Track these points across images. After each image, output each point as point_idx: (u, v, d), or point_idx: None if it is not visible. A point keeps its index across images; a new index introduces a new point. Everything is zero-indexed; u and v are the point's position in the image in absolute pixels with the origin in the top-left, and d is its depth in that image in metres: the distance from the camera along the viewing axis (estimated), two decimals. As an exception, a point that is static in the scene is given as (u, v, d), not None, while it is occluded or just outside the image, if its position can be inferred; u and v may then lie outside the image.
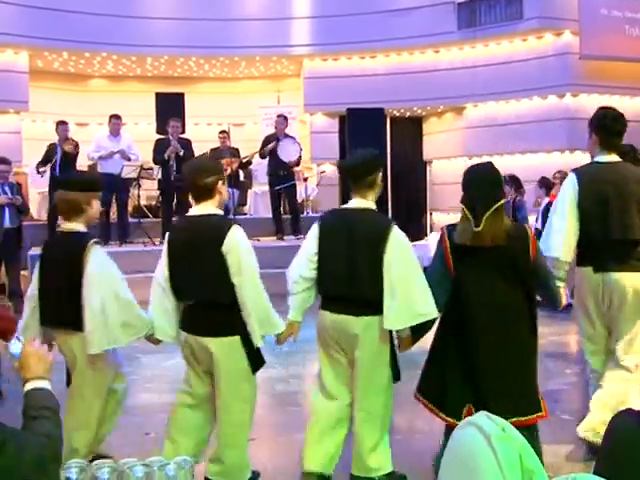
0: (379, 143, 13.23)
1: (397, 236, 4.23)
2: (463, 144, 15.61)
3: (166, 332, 4.34)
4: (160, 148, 12.29)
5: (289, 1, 15.49)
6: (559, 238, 4.83)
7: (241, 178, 14.49)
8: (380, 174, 4.42)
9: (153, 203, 14.27)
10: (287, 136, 12.95)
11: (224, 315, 4.17)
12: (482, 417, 1.64)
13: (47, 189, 12.34)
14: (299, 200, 13.87)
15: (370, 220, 4.33)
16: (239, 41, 14.93)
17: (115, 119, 12.68)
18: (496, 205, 4.14)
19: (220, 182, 4.29)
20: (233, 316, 4.15)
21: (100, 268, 4.27)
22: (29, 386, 2.39)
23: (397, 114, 16.43)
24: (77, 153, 12.16)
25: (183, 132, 12.96)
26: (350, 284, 4.25)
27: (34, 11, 13.75)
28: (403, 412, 4.98)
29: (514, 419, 3.99)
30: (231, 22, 14.87)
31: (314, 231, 4.42)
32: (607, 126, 4.87)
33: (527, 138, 14.31)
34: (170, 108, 13.43)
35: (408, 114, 16.70)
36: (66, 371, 4.47)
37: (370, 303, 4.22)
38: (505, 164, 14.67)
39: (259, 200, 14.89)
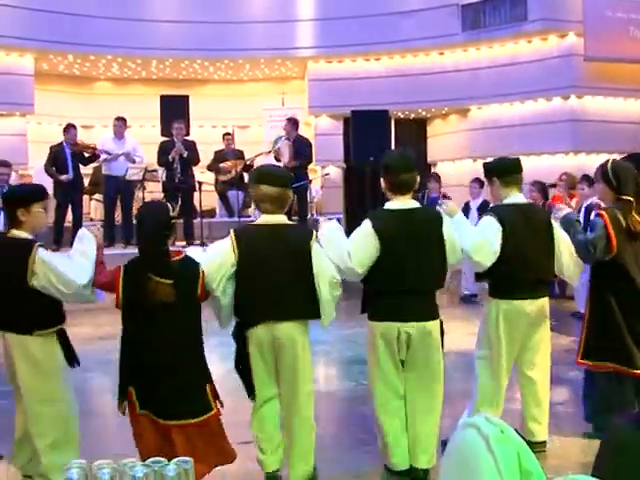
0: (383, 145, 13.24)
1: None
2: (467, 146, 15.61)
3: None
4: (165, 150, 12.33)
5: (293, 3, 15.50)
6: None
7: (245, 180, 14.49)
8: None
9: (158, 205, 14.28)
10: (297, 137, 12.95)
11: (433, 299, 4.59)
12: (481, 418, 1.64)
13: (52, 192, 12.34)
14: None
15: (537, 210, 5.30)
16: (243, 44, 14.95)
17: (118, 121, 12.71)
18: None
19: (418, 177, 4.63)
20: (435, 300, 4.60)
21: (323, 254, 4.46)
22: None
23: (401, 116, 16.44)
24: (98, 155, 12.20)
25: (188, 134, 13.00)
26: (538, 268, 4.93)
27: (39, 14, 13.79)
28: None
29: None
30: (235, 25, 14.89)
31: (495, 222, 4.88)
32: None
33: (531, 140, 14.29)
34: (175, 110, 13.46)
35: (412, 116, 16.71)
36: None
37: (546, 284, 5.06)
38: (509, 166, 14.67)
39: (264, 202, 14.86)
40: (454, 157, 16.07)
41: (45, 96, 15.11)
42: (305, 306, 4.36)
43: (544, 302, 4.96)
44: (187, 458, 2.15)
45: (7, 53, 14.14)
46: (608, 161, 5.21)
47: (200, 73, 16.58)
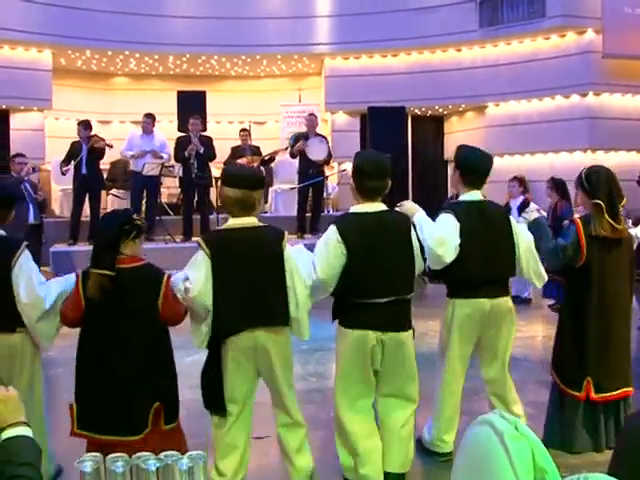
0: (400, 142, 13.24)
1: None
2: (484, 143, 15.50)
3: None
4: (181, 146, 12.34)
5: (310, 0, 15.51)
6: None
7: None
8: None
9: (174, 201, 14.34)
10: (316, 135, 12.97)
11: (406, 307, 4.44)
12: (495, 415, 1.64)
13: (71, 186, 12.36)
14: (319, 199, 13.89)
15: (495, 208, 5.06)
16: (261, 39, 14.97)
17: (147, 118, 12.76)
18: (622, 202, 4.91)
19: (390, 183, 4.55)
20: (409, 309, 4.47)
21: (296, 256, 4.40)
22: (6, 435, 2.01)
23: (418, 113, 16.40)
24: (104, 148, 12.24)
25: (204, 130, 13.01)
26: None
27: (57, 10, 13.86)
28: (420, 412, 4.96)
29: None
30: (253, 20, 14.91)
31: (452, 218, 4.76)
32: None
33: (549, 137, 14.23)
34: (192, 106, 13.49)
35: (429, 113, 16.67)
36: None
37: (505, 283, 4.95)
38: (527, 163, 14.62)
39: (279, 198, 14.91)
40: (471, 154, 16.01)
41: (63, 91, 15.20)
42: (282, 310, 4.16)
43: (503, 301, 4.80)
44: (201, 452, 2.15)
45: (26, 49, 14.23)
46: (585, 168, 5.11)
47: (217, 69, 16.61)
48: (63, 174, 12.09)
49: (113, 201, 14.44)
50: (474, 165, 4.91)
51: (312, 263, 4.29)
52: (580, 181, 4.99)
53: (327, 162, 13.13)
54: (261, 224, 4.25)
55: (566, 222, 5.42)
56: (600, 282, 4.83)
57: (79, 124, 12.27)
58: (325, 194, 14.21)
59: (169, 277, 4.03)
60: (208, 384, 4.17)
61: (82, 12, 14.03)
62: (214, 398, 4.15)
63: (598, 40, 13.73)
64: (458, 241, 4.64)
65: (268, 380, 4.25)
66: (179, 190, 13.41)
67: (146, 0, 14.64)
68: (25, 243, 4.23)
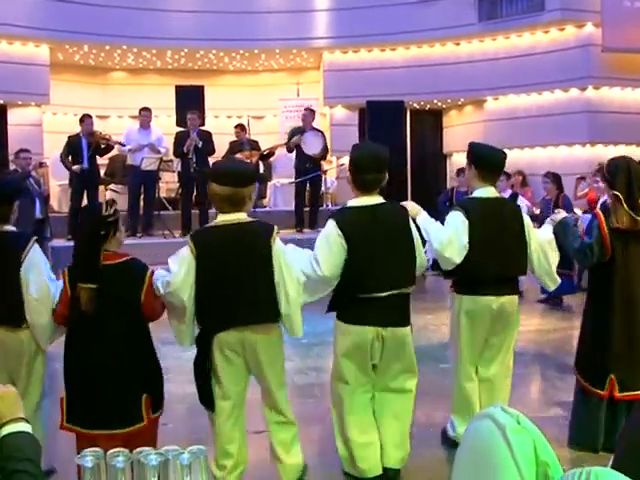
0: (399, 136, 13.24)
1: None
2: (483, 137, 15.45)
3: None
4: (180, 141, 12.35)
5: (309, -7, 15.47)
6: None
7: (261, 170, 14.50)
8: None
9: (173, 195, 14.34)
10: (312, 129, 12.95)
11: (406, 301, 4.44)
12: (497, 409, 1.63)
13: (67, 181, 12.37)
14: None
15: (507, 205, 5.15)
16: (259, 34, 14.93)
17: (144, 112, 12.75)
18: None
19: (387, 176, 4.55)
20: (408, 302, 4.47)
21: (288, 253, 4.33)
22: (6, 431, 1.99)
23: (417, 107, 16.38)
24: (113, 147, 12.27)
25: (203, 124, 13.00)
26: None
27: (55, 4, 13.82)
28: (421, 406, 4.96)
29: None
30: (251, 15, 14.87)
31: (461, 216, 4.70)
32: None
33: (548, 131, 14.20)
34: (190, 101, 13.48)
35: (428, 107, 16.64)
36: None
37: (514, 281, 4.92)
38: (526, 157, 14.61)
39: (278, 193, 14.91)
40: (470, 148, 15.98)
41: (60, 86, 15.15)
42: (270, 307, 4.09)
43: (510, 299, 4.78)
44: (202, 447, 2.14)
45: (23, 43, 14.18)
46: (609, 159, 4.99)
47: (215, 63, 16.57)
48: (76, 172, 11.94)
49: (112, 196, 14.43)
50: (490, 160, 4.90)
51: (313, 259, 4.25)
52: (602, 173, 4.98)
53: (324, 157, 13.13)
54: (250, 219, 4.19)
55: (581, 218, 5.29)
56: (624, 276, 4.72)
57: (85, 116, 12.21)
58: (324, 188, 14.20)
59: (152, 273, 4.02)
60: (198, 380, 4.17)
61: (80, 6, 13.98)
62: (204, 393, 4.14)
63: (597, 34, 13.70)
64: (466, 240, 4.61)
65: (257, 377, 4.24)
66: (178, 185, 13.40)
67: (144, -6, 14.61)
68: (34, 238, 4.25)
